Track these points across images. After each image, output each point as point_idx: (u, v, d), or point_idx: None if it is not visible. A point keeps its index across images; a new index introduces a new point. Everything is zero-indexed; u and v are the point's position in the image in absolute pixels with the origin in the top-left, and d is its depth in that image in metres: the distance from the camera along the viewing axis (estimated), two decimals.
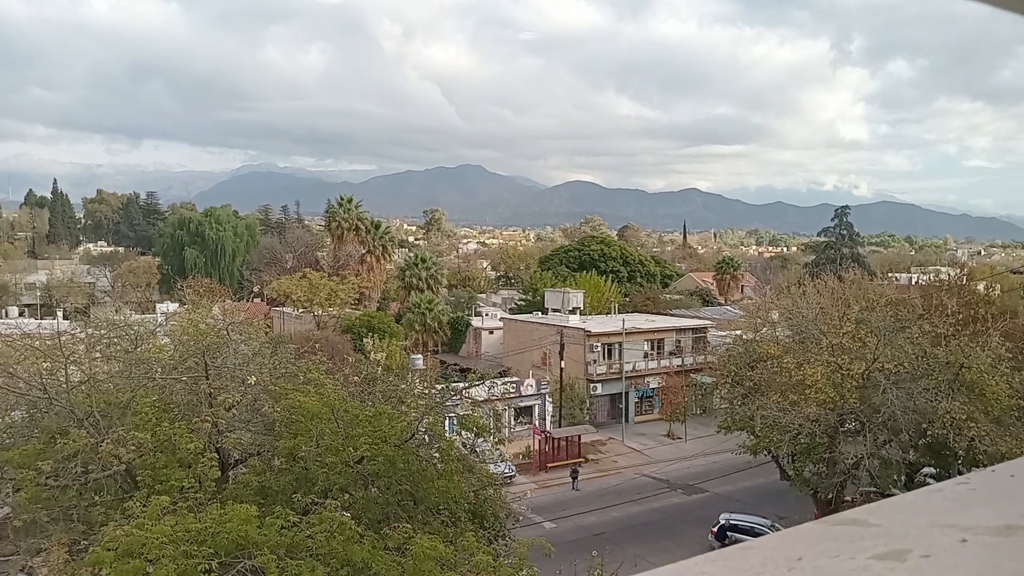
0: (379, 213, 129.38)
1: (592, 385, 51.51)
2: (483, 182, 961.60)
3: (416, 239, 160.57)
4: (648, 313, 64.36)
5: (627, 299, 73.95)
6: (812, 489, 29.54)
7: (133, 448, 14.35)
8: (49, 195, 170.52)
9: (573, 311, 56.18)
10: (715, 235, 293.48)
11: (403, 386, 21.32)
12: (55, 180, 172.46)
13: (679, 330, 56.81)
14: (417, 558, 11.98)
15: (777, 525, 30.36)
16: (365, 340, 48.77)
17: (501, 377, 46.13)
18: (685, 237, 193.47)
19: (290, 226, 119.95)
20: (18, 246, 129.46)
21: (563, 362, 48.07)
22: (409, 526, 13.22)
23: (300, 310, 63.16)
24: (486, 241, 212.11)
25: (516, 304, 78.28)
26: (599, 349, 52.11)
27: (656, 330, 55.83)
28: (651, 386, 53.72)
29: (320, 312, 61.90)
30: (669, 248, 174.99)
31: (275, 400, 17.00)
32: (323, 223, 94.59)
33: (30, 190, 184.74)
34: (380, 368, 25.51)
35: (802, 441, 28.73)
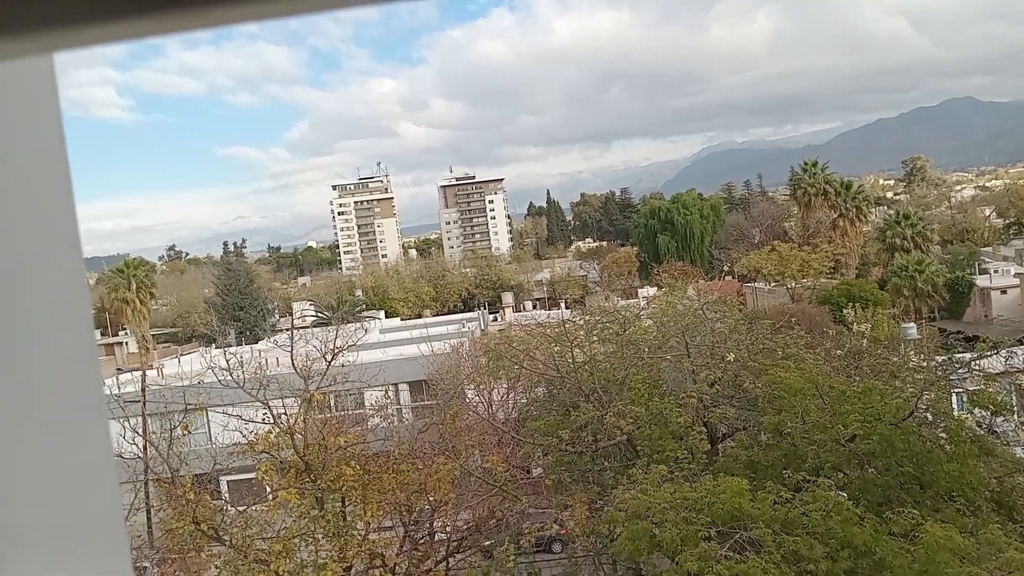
0: (849, 172, 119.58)
1: None
2: (975, 115, 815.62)
3: (896, 194, 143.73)
4: None
5: None
6: None
7: (631, 420, 15.92)
8: (544, 204, 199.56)
9: None
10: None
11: (895, 359, 19.46)
12: (547, 191, 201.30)
13: None
14: (929, 548, 10.81)
15: None
16: (845, 311, 45.62)
17: (1022, 344, 38.57)
18: None
19: (754, 200, 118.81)
20: (526, 250, 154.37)
21: None
22: (916, 512, 12.02)
23: (772, 284, 62.15)
24: (986, 184, 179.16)
25: None
26: None
27: None
28: None
29: (793, 284, 60.02)
30: None
31: (755, 376, 17.09)
32: (787, 193, 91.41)
33: (530, 202, 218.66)
34: (865, 340, 23.67)
35: None
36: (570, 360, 19.13)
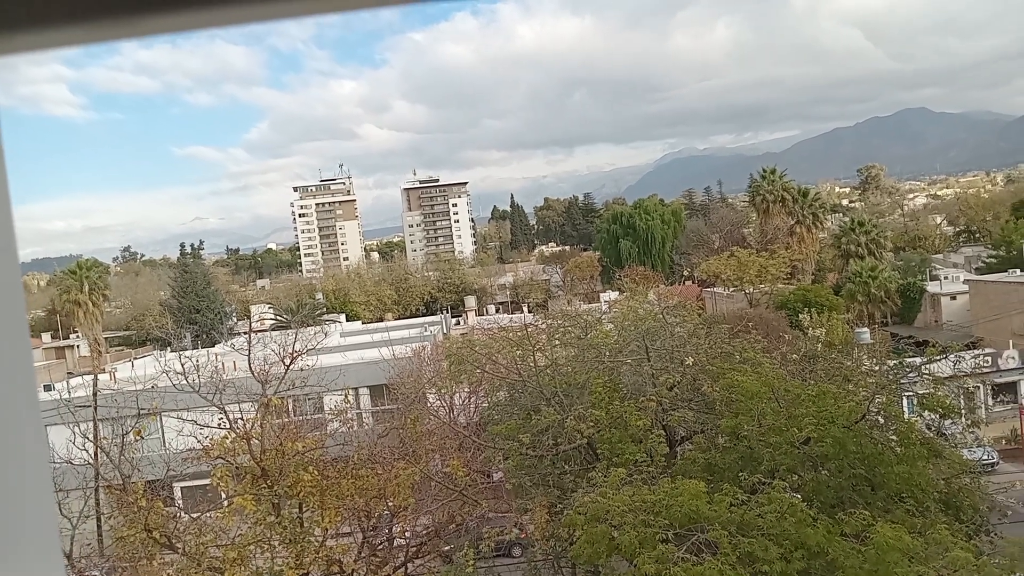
0: (806, 180, 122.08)
1: None
2: (928, 125, 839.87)
3: (851, 202, 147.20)
4: None
5: None
6: None
7: (591, 424, 16.00)
8: (508, 208, 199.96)
9: None
10: None
11: (848, 363, 19.89)
12: (511, 195, 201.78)
13: None
14: (879, 547, 11.06)
15: None
16: (801, 316, 46.60)
17: (970, 349, 39.80)
18: None
19: (714, 207, 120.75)
20: (490, 254, 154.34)
21: None
22: (867, 513, 12.29)
23: (731, 289, 63.14)
24: (938, 193, 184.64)
25: (984, 262, 66.67)
26: None
27: None
28: None
29: (751, 290, 61.04)
30: None
31: (713, 380, 17.32)
32: (747, 199, 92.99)
33: (494, 206, 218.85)
34: (820, 344, 24.17)
35: None
36: (532, 364, 19.17)
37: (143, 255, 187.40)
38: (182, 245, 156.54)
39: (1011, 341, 41.35)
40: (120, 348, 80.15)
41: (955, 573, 10.65)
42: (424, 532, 16.90)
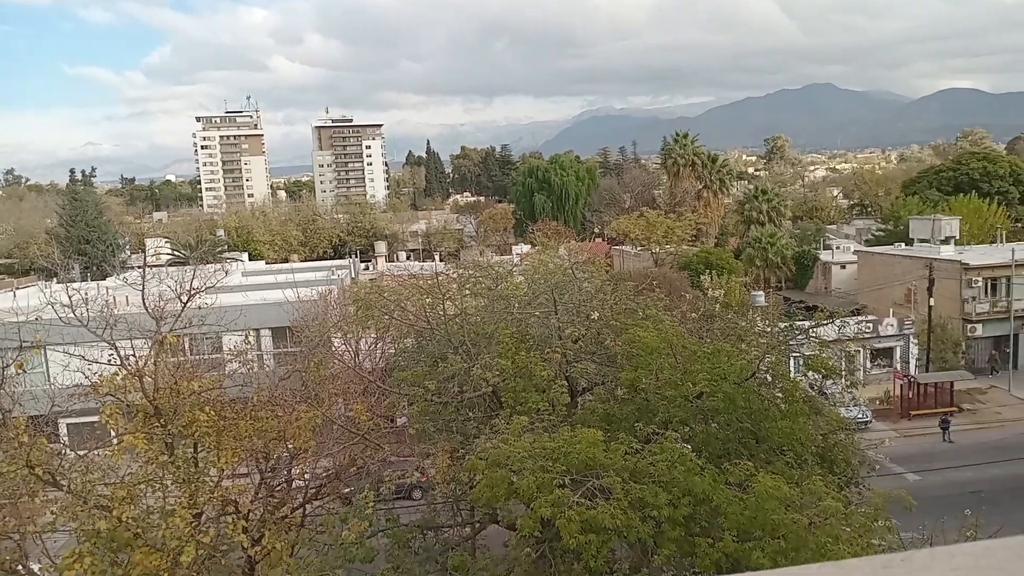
0: (716, 146, 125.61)
1: (970, 326, 44.78)
2: (833, 101, 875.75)
3: (756, 170, 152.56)
4: None
5: (1020, 225, 62.41)
6: None
7: (497, 373, 16.20)
8: (424, 155, 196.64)
9: (946, 241, 49.12)
10: None
11: (743, 323, 20.82)
12: (428, 141, 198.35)
13: None
14: (759, 496, 11.80)
15: None
16: (703, 277, 48.34)
17: (854, 316, 42.45)
18: None
19: (627, 167, 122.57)
20: (403, 200, 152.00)
21: (932, 299, 42.43)
22: (750, 464, 13.04)
23: (638, 248, 64.70)
24: (837, 167, 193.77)
25: (873, 235, 70.69)
26: (979, 284, 44.94)
27: None
28: None
29: (658, 249, 62.74)
30: None
31: (616, 334, 17.80)
32: (659, 161, 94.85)
33: (409, 152, 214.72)
34: (718, 305, 25.17)
35: None
36: (441, 312, 19.13)
37: (28, 179, 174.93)
38: (72, 171, 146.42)
39: (891, 310, 44.32)
40: (1, 277, 75.00)
41: (825, 520, 11.50)
42: (324, 474, 16.82)
